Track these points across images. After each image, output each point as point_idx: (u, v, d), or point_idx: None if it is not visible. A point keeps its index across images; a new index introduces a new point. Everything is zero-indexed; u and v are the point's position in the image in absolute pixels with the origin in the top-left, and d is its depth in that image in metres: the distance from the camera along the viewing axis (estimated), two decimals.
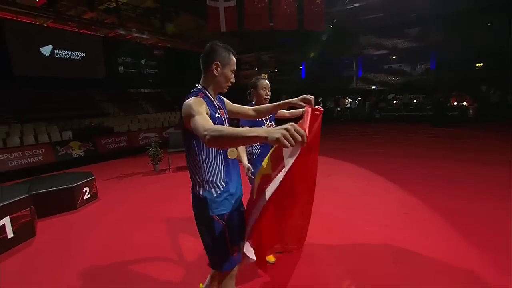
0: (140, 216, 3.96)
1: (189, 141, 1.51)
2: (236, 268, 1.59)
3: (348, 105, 18.04)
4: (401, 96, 17.06)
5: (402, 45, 19.89)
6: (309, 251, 2.73)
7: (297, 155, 1.31)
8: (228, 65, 1.58)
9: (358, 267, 2.45)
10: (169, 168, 6.67)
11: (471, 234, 2.90)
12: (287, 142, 1.03)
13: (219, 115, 1.55)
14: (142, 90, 17.79)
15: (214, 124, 1.41)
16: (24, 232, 3.34)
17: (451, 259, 2.48)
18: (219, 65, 1.55)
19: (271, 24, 11.06)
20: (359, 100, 18.18)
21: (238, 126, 1.98)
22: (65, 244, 3.23)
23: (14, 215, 3.23)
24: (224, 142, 1.18)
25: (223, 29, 10.45)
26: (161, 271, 2.58)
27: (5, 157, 7.06)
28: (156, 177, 6.02)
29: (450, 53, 16.80)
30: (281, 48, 23.40)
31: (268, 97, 2.43)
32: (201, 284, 1.89)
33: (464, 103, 14.59)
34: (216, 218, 1.50)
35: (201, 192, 1.52)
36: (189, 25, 18.34)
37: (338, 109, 18.38)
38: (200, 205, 1.52)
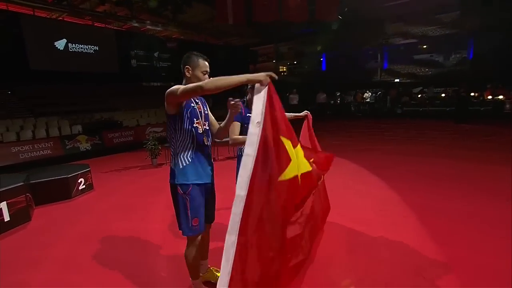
0: (126, 205, 4.46)
1: (170, 122, 2.00)
2: (198, 238, 2.10)
3: (368, 100, 17.79)
4: (426, 89, 16.61)
5: (433, 32, 19.14)
6: None
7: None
8: (198, 67, 2.07)
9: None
10: (166, 163, 7.21)
11: (435, 229, 3.09)
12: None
13: (194, 105, 2.08)
14: (155, 83, 18.61)
15: (188, 112, 2.01)
16: (20, 216, 3.93)
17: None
18: (189, 68, 2.07)
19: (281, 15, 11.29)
20: (379, 94, 17.88)
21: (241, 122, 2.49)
22: (56, 229, 3.78)
23: (11, 200, 3.82)
24: (221, 85, 1.74)
25: (230, 22, 10.83)
26: (132, 252, 3.03)
27: (16, 149, 7.93)
28: (152, 170, 6.57)
29: (491, 40, 15.90)
30: (301, 39, 23.38)
31: None
32: None
33: (500, 97, 13.97)
34: (179, 190, 2.00)
35: (172, 165, 2.06)
36: (203, 16, 18.84)
37: (355, 104, 18.20)
38: (171, 175, 2.04)
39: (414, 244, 2.85)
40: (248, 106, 2.54)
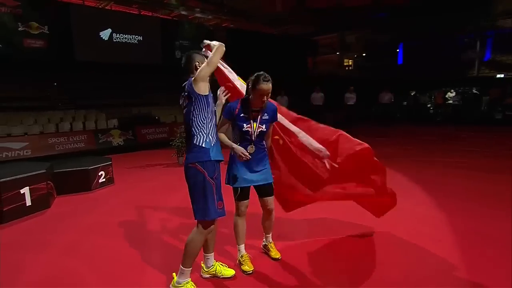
0: (140, 202, 5.07)
1: (201, 104, 2.44)
2: (212, 226, 2.52)
3: (451, 101, 16.63)
4: None
5: None
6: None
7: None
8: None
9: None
10: None
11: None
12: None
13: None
14: None
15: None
16: (40, 202, 4.74)
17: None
18: (200, 63, 2.53)
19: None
20: (472, 94, 16.58)
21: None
22: (69, 218, 4.49)
23: (33, 186, 4.64)
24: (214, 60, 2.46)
25: (278, 9, 11.19)
26: (133, 246, 3.53)
27: (53, 141, 9.26)
28: (176, 169, 7.22)
29: None
30: (372, 26, 22.72)
31: (265, 102, 2.77)
32: (174, 274, 2.62)
33: None
34: (207, 175, 2.40)
35: (199, 142, 2.44)
36: (256, 3, 19.52)
37: (434, 105, 17.07)
38: (201, 154, 2.42)
39: (433, 273, 2.86)
40: (247, 105, 2.81)
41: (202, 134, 2.45)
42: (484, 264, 2.92)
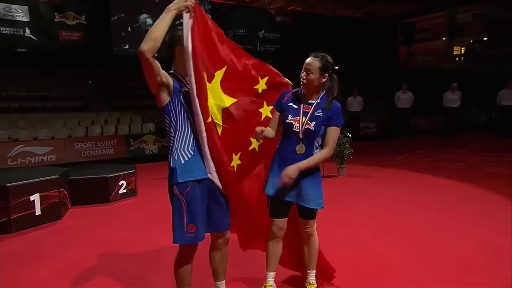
0: (160, 218, 5.36)
1: (163, 116, 2.54)
2: (191, 251, 2.55)
3: None
4: None
5: None
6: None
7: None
8: None
9: None
10: None
11: None
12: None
13: (186, 89, 2.54)
14: None
15: (179, 97, 2.50)
16: (51, 212, 5.25)
17: None
18: (181, 49, 2.48)
19: None
20: None
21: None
22: (79, 232, 4.93)
23: (44, 193, 5.18)
24: (157, 34, 2.24)
25: None
26: (140, 267, 3.80)
27: (79, 146, 10.19)
28: None
29: None
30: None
31: (304, 81, 2.74)
32: None
33: None
34: (176, 191, 2.47)
35: (171, 163, 2.49)
36: None
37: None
38: (170, 175, 2.50)
39: None
40: (300, 95, 2.88)
41: (171, 151, 2.52)
42: None
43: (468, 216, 5.18)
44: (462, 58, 26.38)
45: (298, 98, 2.82)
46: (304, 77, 2.71)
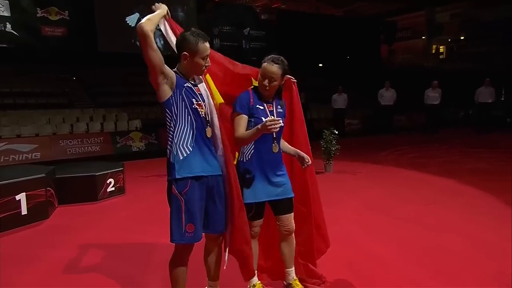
0: (148, 216, 5.33)
1: (163, 112, 2.51)
2: (187, 251, 2.52)
3: None
4: None
5: None
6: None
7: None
8: (197, 53, 2.43)
9: None
10: None
11: None
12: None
13: (189, 85, 2.52)
14: None
15: (181, 92, 2.46)
16: (37, 212, 5.13)
17: None
18: (188, 55, 2.43)
19: None
20: None
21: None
22: (66, 231, 4.84)
23: (30, 192, 5.07)
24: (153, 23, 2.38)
25: None
26: (130, 267, 3.74)
27: (64, 143, 10.01)
28: None
29: None
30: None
31: (267, 88, 2.73)
32: None
33: None
34: (174, 190, 2.42)
35: (171, 158, 2.47)
36: None
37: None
38: (169, 171, 2.47)
39: None
40: (259, 95, 2.84)
41: (171, 147, 2.49)
42: None
43: (453, 211, 5.24)
44: (440, 57, 26.78)
45: (259, 99, 2.81)
46: (267, 84, 2.71)
